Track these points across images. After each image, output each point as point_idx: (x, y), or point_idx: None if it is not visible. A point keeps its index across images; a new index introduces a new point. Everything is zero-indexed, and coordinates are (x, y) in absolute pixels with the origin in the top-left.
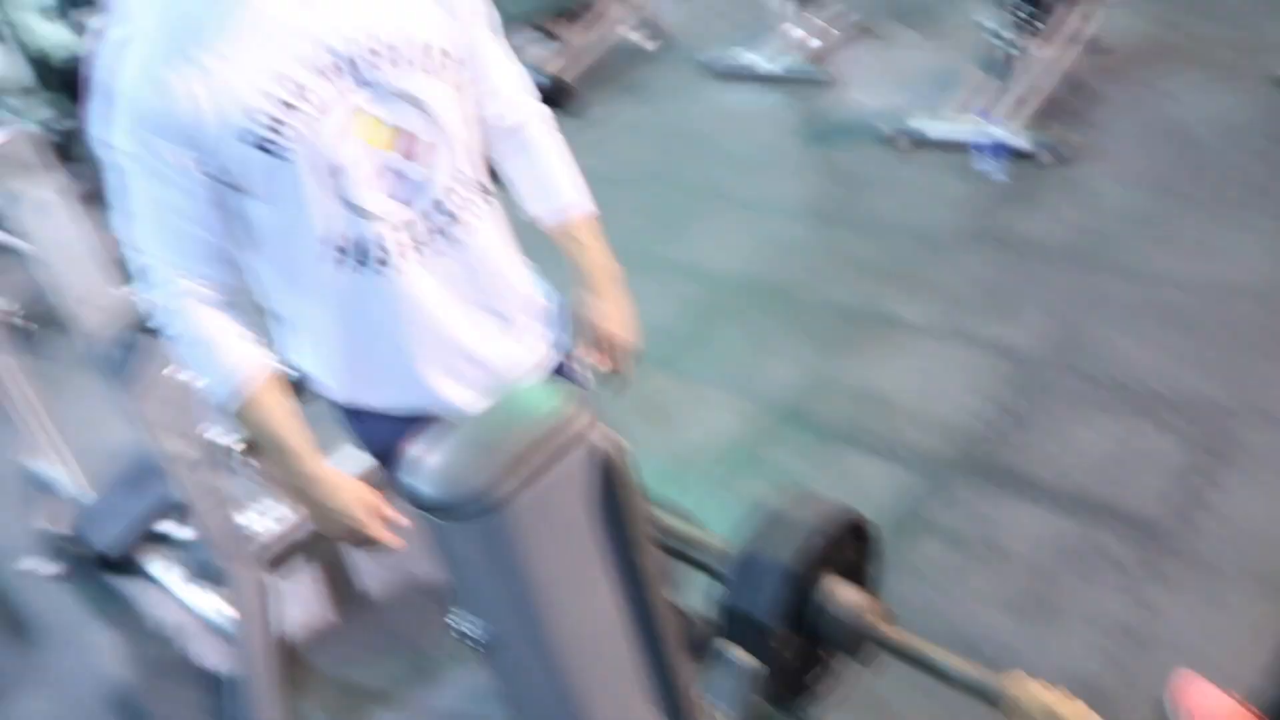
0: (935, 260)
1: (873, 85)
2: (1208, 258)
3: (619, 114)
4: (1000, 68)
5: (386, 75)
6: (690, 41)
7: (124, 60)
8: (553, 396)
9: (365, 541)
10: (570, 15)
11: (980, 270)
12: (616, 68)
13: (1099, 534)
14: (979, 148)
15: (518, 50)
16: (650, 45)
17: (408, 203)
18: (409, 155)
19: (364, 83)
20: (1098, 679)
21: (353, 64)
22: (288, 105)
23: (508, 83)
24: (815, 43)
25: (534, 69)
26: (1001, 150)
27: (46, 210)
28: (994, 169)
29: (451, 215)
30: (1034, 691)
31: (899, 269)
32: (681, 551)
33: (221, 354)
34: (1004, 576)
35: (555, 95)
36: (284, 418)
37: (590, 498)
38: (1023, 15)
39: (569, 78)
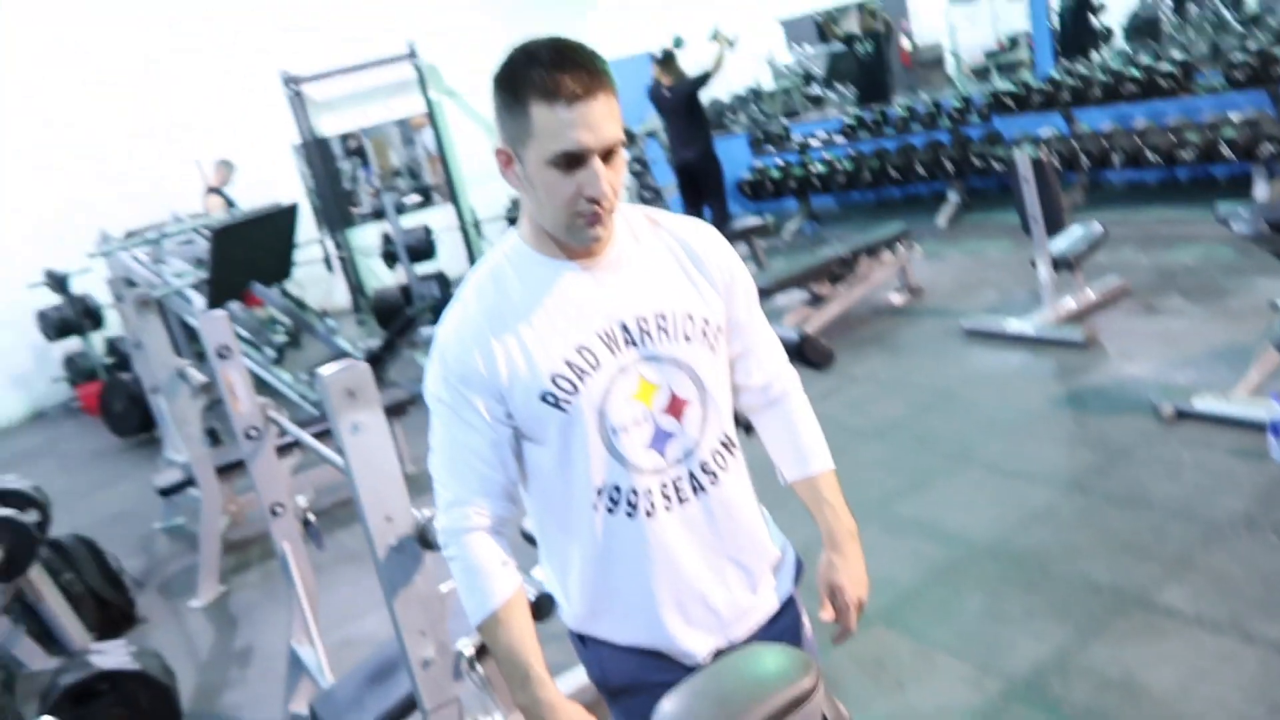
0: (1207, 543)
1: (1134, 353)
2: None
3: (867, 367)
4: None
5: (658, 342)
6: (942, 300)
7: (451, 322)
8: (784, 660)
9: None
10: (833, 276)
11: (1263, 560)
12: (867, 322)
13: None
14: (1275, 428)
15: (775, 304)
16: (900, 301)
17: (668, 455)
18: (672, 413)
19: (639, 348)
20: None
21: (632, 333)
22: (581, 370)
23: (763, 349)
24: (1074, 305)
25: (786, 324)
26: None
27: (361, 429)
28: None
29: (705, 468)
30: None
31: (1164, 549)
32: None
33: (483, 576)
34: None
35: (806, 350)
36: (525, 639)
37: None
38: None
39: (819, 331)
